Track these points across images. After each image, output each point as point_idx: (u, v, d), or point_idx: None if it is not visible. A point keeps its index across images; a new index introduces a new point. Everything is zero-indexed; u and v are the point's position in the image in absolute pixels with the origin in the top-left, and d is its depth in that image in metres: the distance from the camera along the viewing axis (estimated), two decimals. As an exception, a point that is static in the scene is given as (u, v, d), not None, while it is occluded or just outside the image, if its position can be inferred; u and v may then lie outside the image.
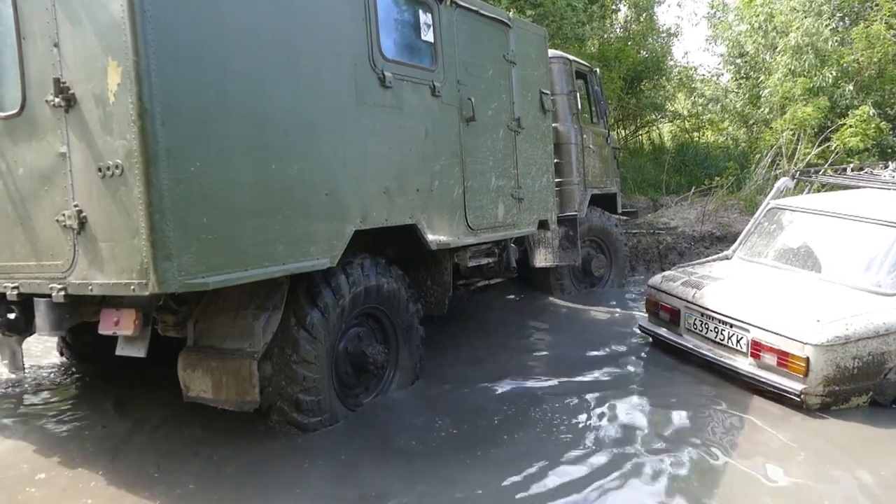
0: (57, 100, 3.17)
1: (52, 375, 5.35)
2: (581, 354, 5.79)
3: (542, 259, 7.09)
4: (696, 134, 16.64)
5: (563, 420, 4.36)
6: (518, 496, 3.42)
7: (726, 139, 15.70)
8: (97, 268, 3.18)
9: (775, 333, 4.59)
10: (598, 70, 8.78)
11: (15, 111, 3.41)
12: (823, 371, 4.34)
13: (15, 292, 3.54)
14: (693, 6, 32.04)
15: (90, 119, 3.11)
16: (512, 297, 7.95)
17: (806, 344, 4.37)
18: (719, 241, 10.32)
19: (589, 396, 4.74)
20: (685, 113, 16.80)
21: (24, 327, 3.91)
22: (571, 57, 8.15)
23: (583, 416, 4.43)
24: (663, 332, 5.71)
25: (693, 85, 16.40)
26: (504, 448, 3.95)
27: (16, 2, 3.32)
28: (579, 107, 7.85)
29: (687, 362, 5.34)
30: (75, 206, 3.20)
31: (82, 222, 3.19)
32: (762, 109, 13.46)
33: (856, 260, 5.07)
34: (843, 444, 4.01)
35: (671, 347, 5.57)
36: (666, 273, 6.10)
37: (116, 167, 3.01)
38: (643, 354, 5.80)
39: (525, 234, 6.14)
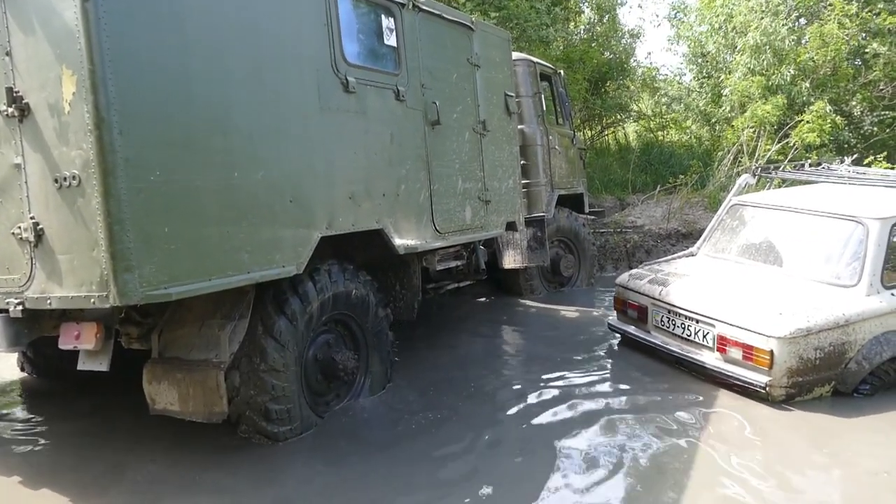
0: (10, 109, 3.09)
1: (12, 392, 5.22)
2: (550, 354, 5.80)
3: (511, 261, 7.12)
4: (660, 133, 16.88)
5: (533, 417, 4.39)
6: (487, 497, 3.43)
7: (690, 138, 15.92)
8: (55, 281, 3.11)
9: (740, 328, 4.67)
10: (562, 72, 8.86)
11: (-33, 122, 3.32)
12: (787, 363, 4.43)
13: (-30, 308, 3.44)
14: (654, 7, 32.50)
15: (45, 129, 3.04)
16: (482, 299, 7.99)
17: (769, 337, 4.46)
18: (685, 238, 10.46)
19: (557, 394, 4.78)
20: (649, 113, 17.04)
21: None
22: (535, 59, 8.21)
23: (550, 413, 4.46)
24: (631, 329, 5.78)
25: (656, 85, 16.64)
26: (475, 450, 3.96)
27: (-35, 10, 3.23)
28: (544, 108, 7.91)
29: (655, 359, 5.40)
30: (31, 218, 3.13)
31: (39, 235, 3.11)
32: (723, 108, 13.70)
33: (816, 253, 5.18)
34: (808, 434, 4.10)
35: (640, 345, 5.63)
36: (633, 271, 6.18)
37: (73, 178, 2.95)
38: (612, 352, 5.85)
39: (493, 237, 6.15)
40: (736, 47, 13.65)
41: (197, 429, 3.93)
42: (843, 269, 4.91)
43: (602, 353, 5.82)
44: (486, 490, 3.48)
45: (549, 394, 4.80)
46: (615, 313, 6.16)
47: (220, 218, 3.34)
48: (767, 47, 12.61)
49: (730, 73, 13.57)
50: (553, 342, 6.19)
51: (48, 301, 3.14)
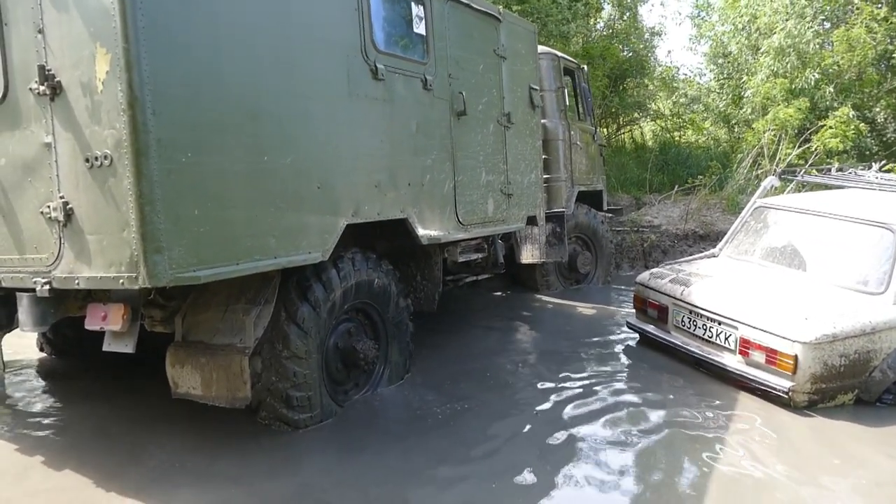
0: (42, 88, 3.07)
1: (33, 372, 5.23)
2: (566, 349, 5.77)
3: (529, 255, 7.07)
4: (677, 133, 16.75)
5: (550, 412, 4.35)
6: (503, 489, 3.40)
7: (707, 139, 15.78)
8: (84, 261, 3.09)
9: (764, 331, 4.59)
10: (585, 67, 8.78)
11: (-3, 100, 3.31)
12: (811, 369, 4.35)
13: (-2, 287, 3.43)
14: (677, 5, 32.20)
15: (77, 108, 3.01)
16: (498, 293, 7.95)
17: (795, 342, 4.37)
18: (702, 239, 10.39)
19: (574, 392, 4.72)
20: (667, 112, 16.90)
21: (6, 323, 3.81)
22: (559, 53, 8.14)
23: (568, 408, 4.42)
24: (651, 328, 5.71)
25: (675, 84, 16.49)
26: (492, 441, 3.93)
27: (-3, -12, 3.22)
28: (567, 103, 7.84)
29: (674, 359, 5.33)
30: (61, 197, 3.11)
31: (68, 214, 3.09)
32: (744, 110, 13.56)
33: (842, 259, 5.09)
34: (831, 442, 4.01)
35: (659, 344, 5.56)
36: (654, 270, 6.11)
37: (105, 157, 2.92)
38: (629, 350, 5.80)
39: (514, 230, 6.10)
40: (759, 49, 13.50)
41: (215, 414, 3.92)
42: (870, 276, 4.81)
43: (619, 351, 5.79)
44: (502, 481, 3.45)
45: (566, 389, 4.76)
46: (634, 312, 6.09)
47: (248, 202, 3.31)
48: (792, 50, 12.47)
49: (752, 74, 13.41)
50: (569, 337, 6.16)
51: (76, 281, 3.12)
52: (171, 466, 3.57)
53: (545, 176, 7.15)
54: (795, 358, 4.36)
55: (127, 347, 3.30)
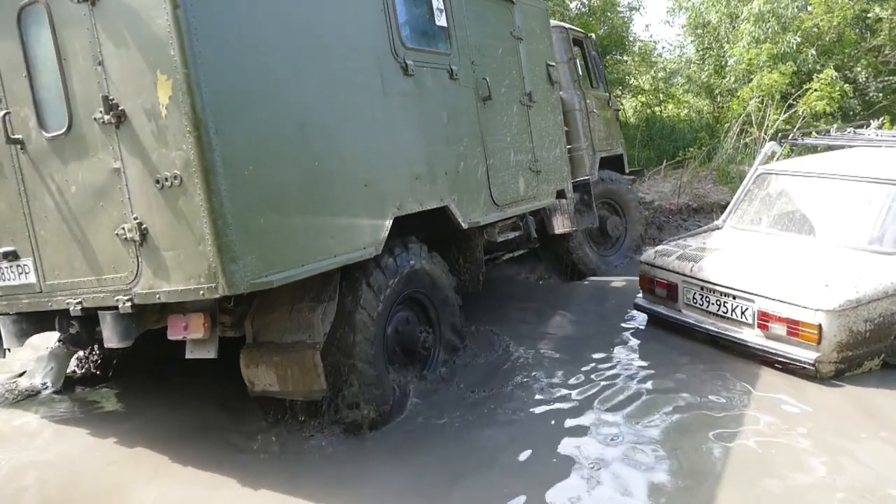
0: (107, 117, 3.25)
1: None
2: (587, 332, 5.72)
3: (560, 226, 7.16)
4: (657, 108, 16.64)
5: (571, 393, 4.46)
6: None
7: (689, 111, 15.55)
8: (163, 276, 3.29)
9: (783, 302, 4.48)
10: (592, 35, 8.85)
11: (61, 131, 3.49)
12: (837, 337, 4.25)
13: (79, 308, 3.65)
14: None
15: (142, 133, 3.20)
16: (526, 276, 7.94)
17: (818, 310, 4.28)
18: (696, 212, 10.29)
19: (591, 372, 4.80)
20: (647, 87, 16.76)
21: (87, 340, 4.04)
22: (567, 25, 8.22)
23: (583, 400, 4.42)
24: (661, 309, 5.56)
25: (653, 59, 16.35)
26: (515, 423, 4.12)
27: (54, 25, 3.39)
28: (580, 73, 7.93)
29: (687, 338, 5.23)
30: (135, 218, 3.30)
31: (144, 234, 3.29)
32: (727, 79, 13.57)
33: (854, 220, 4.97)
34: (865, 410, 3.96)
35: (670, 324, 5.44)
36: (658, 248, 5.91)
37: (175, 178, 3.12)
38: (640, 333, 5.65)
39: (546, 206, 6.24)
40: (738, 16, 13.48)
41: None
42: (885, 235, 4.73)
43: (628, 335, 5.63)
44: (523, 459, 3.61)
45: (580, 378, 4.76)
46: (640, 293, 5.89)
47: (306, 207, 3.51)
48: (771, 15, 12.48)
49: (733, 43, 13.37)
50: (593, 319, 6.11)
51: (157, 296, 3.33)
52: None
53: (567, 147, 7.27)
54: (819, 327, 4.26)
55: (209, 353, 3.52)
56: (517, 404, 4.38)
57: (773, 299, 4.54)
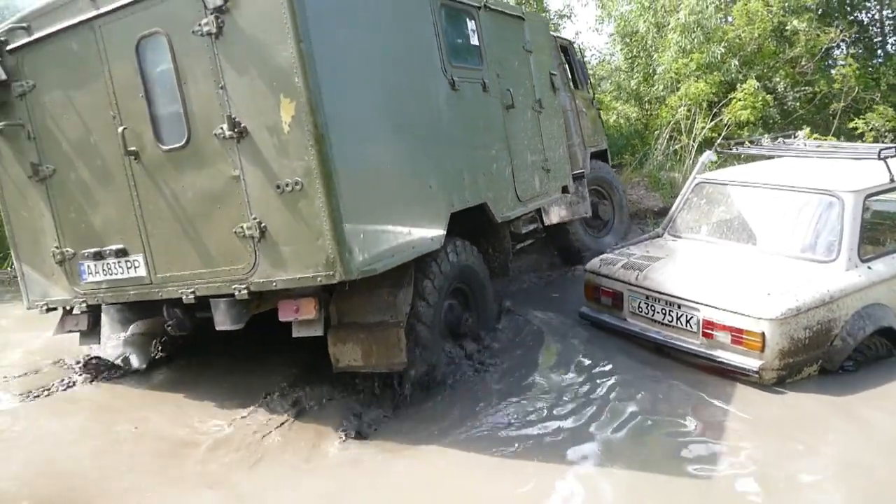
0: (229, 132, 3.82)
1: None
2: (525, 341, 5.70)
3: (556, 216, 7.90)
4: None
5: (518, 413, 4.47)
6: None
7: (617, 118, 15.59)
8: (279, 267, 3.90)
9: (728, 311, 4.56)
10: (574, 41, 9.65)
11: (179, 144, 4.05)
12: (779, 345, 4.35)
13: (192, 296, 4.21)
14: None
15: (263, 146, 3.79)
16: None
17: (761, 319, 4.38)
18: (632, 218, 10.33)
19: (540, 387, 4.84)
20: None
21: (189, 325, 4.59)
22: (553, 33, 8.98)
23: (538, 407, 4.52)
24: (606, 317, 5.60)
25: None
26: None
27: (174, 53, 3.93)
28: (569, 76, 8.71)
29: (633, 346, 5.28)
30: (254, 218, 3.89)
31: (262, 231, 3.89)
32: (656, 87, 14.08)
33: (790, 229, 5.08)
34: (806, 414, 4.17)
35: (615, 332, 5.47)
36: (603, 256, 5.94)
37: (296, 184, 3.73)
38: (585, 340, 5.60)
39: (554, 200, 6.98)
40: (665, 26, 13.95)
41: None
42: (820, 244, 4.85)
43: (575, 342, 5.57)
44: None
45: (530, 389, 4.82)
46: (586, 301, 5.91)
47: (395, 205, 4.17)
48: (696, 25, 13.05)
49: (661, 52, 13.87)
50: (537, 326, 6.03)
51: (273, 283, 3.94)
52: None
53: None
54: (763, 335, 4.36)
55: (317, 331, 4.13)
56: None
57: (718, 308, 4.63)
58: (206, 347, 5.64)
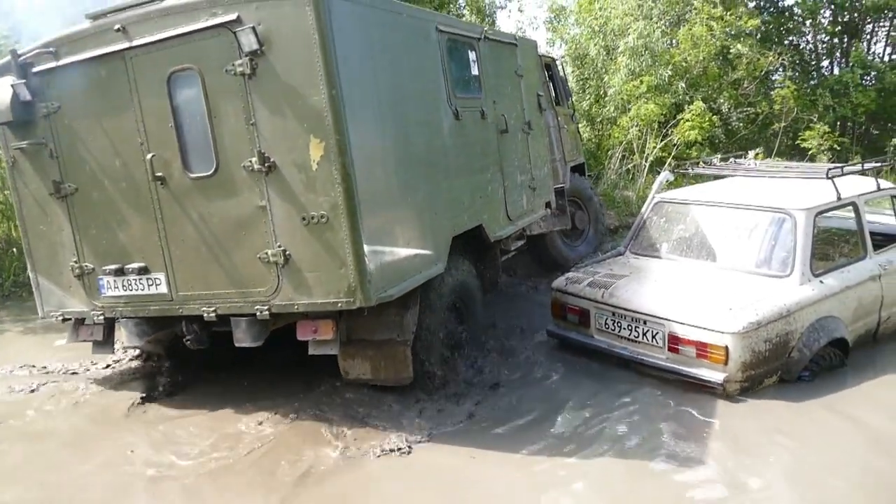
0: (258, 165, 4.10)
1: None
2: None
3: (538, 227, 8.30)
4: None
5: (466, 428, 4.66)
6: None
7: None
8: (302, 291, 4.21)
9: (692, 325, 4.74)
10: (557, 59, 10.04)
11: (208, 173, 4.30)
12: (742, 357, 4.56)
13: (213, 314, 4.49)
14: (534, 11, 28.96)
15: (291, 181, 4.08)
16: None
17: (724, 333, 4.57)
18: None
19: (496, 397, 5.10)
20: None
21: (206, 341, 4.86)
22: (539, 52, 9.33)
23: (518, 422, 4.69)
24: (573, 334, 5.74)
25: None
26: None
27: (206, 89, 4.18)
28: (553, 94, 9.09)
29: (600, 361, 5.45)
30: (279, 245, 4.19)
31: (287, 258, 4.19)
32: (608, 108, 14.56)
33: (746, 246, 5.33)
34: (764, 424, 4.38)
35: (582, 349, 5.64)
36: (569, 275, 6.07)
37: (322, 217, 4.04)
38: (552, 356, 5.81)
39: (538, 217, 7.38)
40: (615, 49, 14.47)
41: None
42: (775, 259, 5.11)
43: (542, 358, 5.77)
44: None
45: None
46: (553, 319, 6.02)
47: (405, 235, 4.52)
48: (644, 49, 13.61)
49: (612, 74, 14.38)
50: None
51: (294, 306, 4.25)
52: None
53: (547, 161, 8.41)
54: (726, 349, 4.56)
55: (332, 350, 4.46)
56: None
57: (683, 323, 4.81)
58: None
